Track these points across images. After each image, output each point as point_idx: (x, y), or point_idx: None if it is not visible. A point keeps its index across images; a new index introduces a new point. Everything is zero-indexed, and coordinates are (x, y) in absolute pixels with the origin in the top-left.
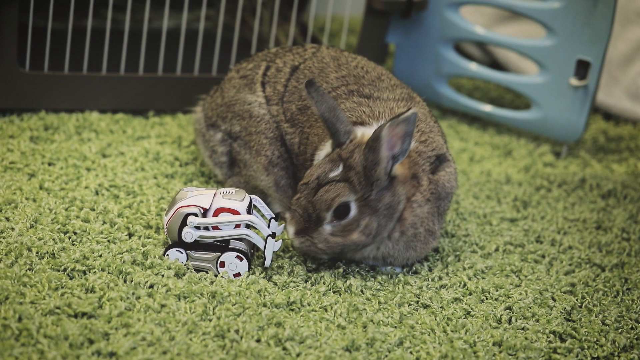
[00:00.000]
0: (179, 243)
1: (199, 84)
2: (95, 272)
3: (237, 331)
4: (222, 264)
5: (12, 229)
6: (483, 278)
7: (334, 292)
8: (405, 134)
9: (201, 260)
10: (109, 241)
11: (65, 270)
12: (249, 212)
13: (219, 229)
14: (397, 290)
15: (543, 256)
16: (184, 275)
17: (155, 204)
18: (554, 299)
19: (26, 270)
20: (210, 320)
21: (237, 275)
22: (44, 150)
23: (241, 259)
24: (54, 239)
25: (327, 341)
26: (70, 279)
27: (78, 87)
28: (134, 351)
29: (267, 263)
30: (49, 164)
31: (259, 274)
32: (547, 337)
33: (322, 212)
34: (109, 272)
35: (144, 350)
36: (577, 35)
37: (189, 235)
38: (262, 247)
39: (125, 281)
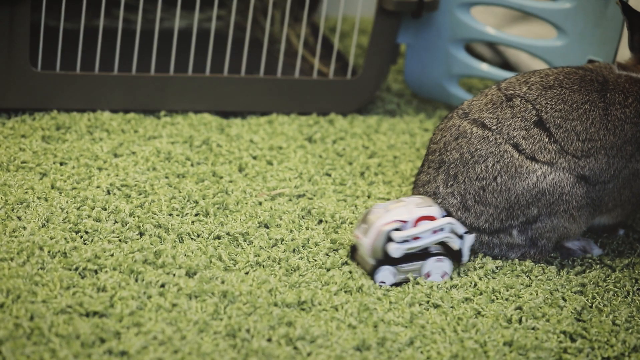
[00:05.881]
0: (387, 260)
1: (210, 84)
2: (106, 271)
3: (248, 330)
4: (428, 275)
5: (24, 228)
6: (494, 278)
7: (345, 292)
8: None
9: (409, 272)
10: (120, 240)
11: (76, 269)
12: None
13: (419, 238)
14: (407, 290)
15: (554, 256)
16: (195, 274)
17: (167, 203)
18: (564, 299)
19: (38, 270)
20: (221, 319)
21: (444, 275)
22: (55, 149)
23: (441, 260)
24: (65, 238)
25: (337, 341)
26: (82, 278)
27: (90, 86)
28: (145, 350)
29: (465, 259)
30: (61, 164)
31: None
32: (558, 337)
33: None
34: (120, 272)
35: (155, 349)
36: (588, 35)
37: (397, 250)
38: (458, 246)
39: (136, 280)
